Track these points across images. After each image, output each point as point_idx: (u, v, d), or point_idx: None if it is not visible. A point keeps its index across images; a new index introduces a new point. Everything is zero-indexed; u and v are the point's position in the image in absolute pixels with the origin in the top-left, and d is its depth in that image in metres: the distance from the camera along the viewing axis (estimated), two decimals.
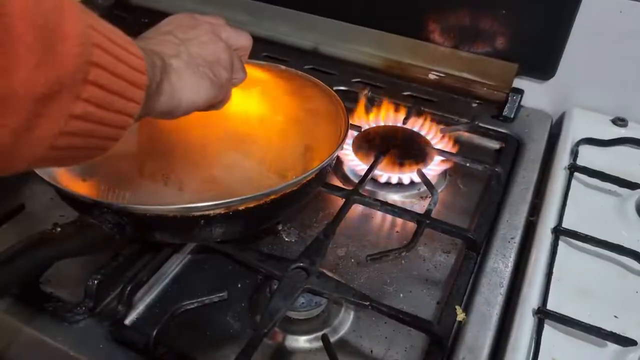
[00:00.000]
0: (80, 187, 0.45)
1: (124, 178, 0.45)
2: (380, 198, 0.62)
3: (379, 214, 0.59)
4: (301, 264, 0.48)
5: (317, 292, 0.46)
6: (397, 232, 0.58)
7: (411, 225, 0.55)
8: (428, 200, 0.61)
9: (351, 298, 0.46)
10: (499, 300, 0.49)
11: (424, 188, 0.62)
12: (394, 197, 0.62)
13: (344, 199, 0.56)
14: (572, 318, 0.45)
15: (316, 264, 0.48)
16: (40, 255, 0.37)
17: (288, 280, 0.47)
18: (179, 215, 0.43)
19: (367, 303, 0.45)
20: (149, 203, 0.43)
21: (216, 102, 0.46)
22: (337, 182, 0.63)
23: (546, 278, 0.49)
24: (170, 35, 0.42)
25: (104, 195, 0.44)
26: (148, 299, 0.49)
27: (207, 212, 0.43)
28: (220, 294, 0.47)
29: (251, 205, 0.44)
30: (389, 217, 0.59)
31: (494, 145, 0.71)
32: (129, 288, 0.47)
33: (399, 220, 0.58)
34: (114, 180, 0.45)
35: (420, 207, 0.61)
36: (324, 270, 0.51)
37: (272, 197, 0.45)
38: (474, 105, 0.76)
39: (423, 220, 0.53)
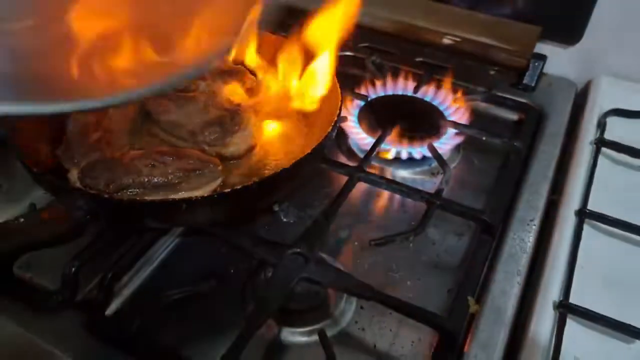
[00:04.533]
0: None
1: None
2: (388, 174, 0.57)
3: (386, 193, 0.54)
4: (298, 250, 0.43)
5: (315, 282, 0.42)
6: (405, 212, 0.53)
7: (421, 205, 0.51)
8: (441, 177, 0.56)
9: (352, 289, 0.42)
10: (516, 290, 0.44)
11: (436, 163, 0.57)
12: (404, 174, 0.57)
13: (347, 177, 0.51)
14: (597, 313, 0.40)
15: (315, 250, 0.44)
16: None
17: (283, 268, 0.42)
18: (159, 201, 0.39)
19: (369, 294, 0.41)
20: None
21: None
22: (341, 157, 0.59)
23: (569, 267, 0.45)
24: None
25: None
26: (132, 287, 0.45)
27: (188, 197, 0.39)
28: (209, 283, 0.43)
29: (238, 187, 0.40)
30: (397, 196, 0.54)
31: (513, 116, 0.65)
32: (110, 275, 0.43)
33: (409, 200, 0.53)
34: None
35: (431, 184, 0.56)
36: (324, 256, 0.47)
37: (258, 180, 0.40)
38: (492, 72, 0.70)
39: (433, 200, 0.49)
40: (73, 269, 0.42)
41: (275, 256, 0.43)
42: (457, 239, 0.51)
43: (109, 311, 0.43)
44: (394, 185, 0.50)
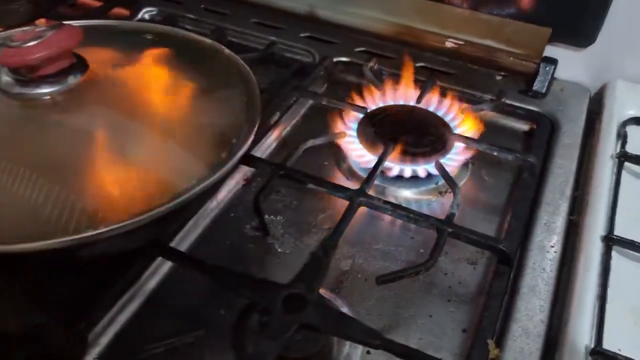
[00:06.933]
0: None
1: None
2: (391, 195, 0.52)
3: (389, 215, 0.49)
4: (295, 291, 0.39)
5: (315, 328, 0.37)
6: (412, 237, 0.48)
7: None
8: (448, 196, 0.52)
9: (357, 336, 0.37)
10: (541, 329, 0.40)
11: (443, 181, 0.52)
12: (407, 194, 0.52)
13: (347, 202, 0.46)
14: None
15: (314, 290, 0.39)
16: None
17: (278, 314, 0.37)
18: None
19: (378, 342, 0.36)
20: None
21: None
22: (340, 177, 0.54)
23: (599, 302, 0.40)
24: None
25: None
26: (110, 334, 0.40)
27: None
28: (196, 332, 0.38)
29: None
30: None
31: (523, 126, 0.61)
32: (82, 325, 0.38)
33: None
34: None
35: (439, 205, 0.52)
36: (325, 293, 0.42)
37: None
38: (498, 78, 0.65)
39: (444, 228, 0.44)
40: (40, 320, 0.37)
41: (268, 300, 0.38)
42: (471, 269, 0.46)
43: None
44: (401, 211, 0.45)
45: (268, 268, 0.46)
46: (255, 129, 0.42)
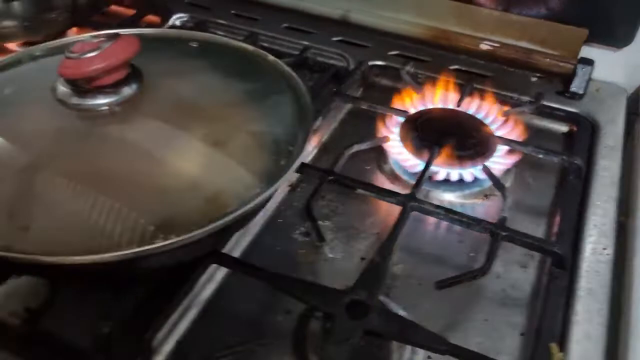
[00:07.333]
0: None
1: None
2: (436, 199, 0.52)
3: (432, 218, 0.49)
4: (357, 297, 0.39)
5: (380, 335, 0.37)
6: (460, 241, 0.49)
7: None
8: (494, 200, 0.52)
9: (422, 342, 0.37)
10: (601, 333, 0.40)
11: (487, 184, 0.52)
12: (452, 197, 0.52)
13: (400, 207, 0.46)
14: None
15: (375, 296, 0.39)
16: None
17: (341, 320, 0.37)
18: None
19: (444, 348, 0.36)
20: None
21: None
22: (383, 181, 0.54)
23: None
24: None
25: None
26: (170, 345, 0.40)
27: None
28: (259, 340, 0.38)
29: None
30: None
31: (562, 127, 0.61)
32: (148, 334, 0.38)
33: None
34: None
35: (485, 209, 0.52)
36: (382, 299, 0.42)
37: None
38: (534, 79, 0.65)
39: (498, 232, 0.44)
40: (106, 330, 0.37)
41: (330, 305, 0.38)
42: (523, 271, 0.46)
43: None
44: (453, 216, 0.45)
45: (320, 273, 0.46)
46: (311, 134, 0.42)
